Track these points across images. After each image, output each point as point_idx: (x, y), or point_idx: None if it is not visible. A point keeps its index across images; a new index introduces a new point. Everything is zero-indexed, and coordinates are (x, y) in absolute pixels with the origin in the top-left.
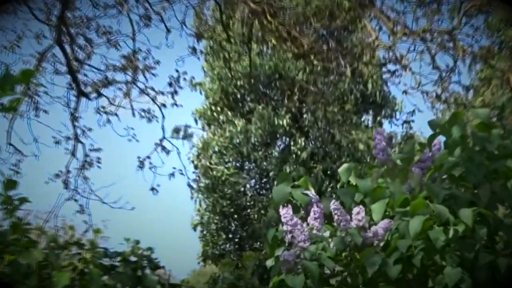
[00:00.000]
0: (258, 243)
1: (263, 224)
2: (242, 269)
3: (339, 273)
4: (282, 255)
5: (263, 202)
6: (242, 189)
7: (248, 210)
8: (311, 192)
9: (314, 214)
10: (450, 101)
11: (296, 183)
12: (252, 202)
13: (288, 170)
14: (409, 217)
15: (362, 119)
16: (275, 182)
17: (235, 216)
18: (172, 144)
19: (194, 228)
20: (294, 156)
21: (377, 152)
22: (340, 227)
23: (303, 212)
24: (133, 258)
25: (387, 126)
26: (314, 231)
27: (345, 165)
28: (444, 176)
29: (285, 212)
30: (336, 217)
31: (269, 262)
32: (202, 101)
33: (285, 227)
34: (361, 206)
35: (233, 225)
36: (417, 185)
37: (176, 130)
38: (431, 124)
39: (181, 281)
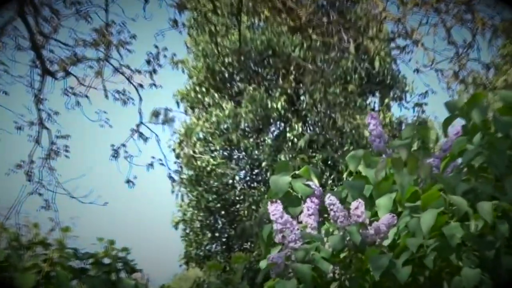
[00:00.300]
0: (249, 243)
1: (254, 222)
2: (230, 272)
3: (338, 277)
4: (270, 257)
5: (254, 197)
6: (231, 181)
7: (237, 206)
8: (314, 183)
9: (308, 210)
10: (468, 81)
11: (297, 172)
12: (241, 197)
13: (283, 159)
14: (420, 213)
15: (368, 102)
16: (269, 173)
17: (223, 212)
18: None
19: (176, 226)
20: (290, 143)
21: (373, 139)
22: (337, 224)
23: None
24: (106, 260)
25: (396, 110)
26: (308, 230)
27: (353, 152)
28: (462, 166)
29: (274, 209)
30: (332, 213)
31: (264, 264)
32: (184, 81)
33: (274, 226)
34: (360, 200)
35: (220, 222)
36: (427, 175)
37: (155, 114)
38: (448, 105)
39: (160, 286)
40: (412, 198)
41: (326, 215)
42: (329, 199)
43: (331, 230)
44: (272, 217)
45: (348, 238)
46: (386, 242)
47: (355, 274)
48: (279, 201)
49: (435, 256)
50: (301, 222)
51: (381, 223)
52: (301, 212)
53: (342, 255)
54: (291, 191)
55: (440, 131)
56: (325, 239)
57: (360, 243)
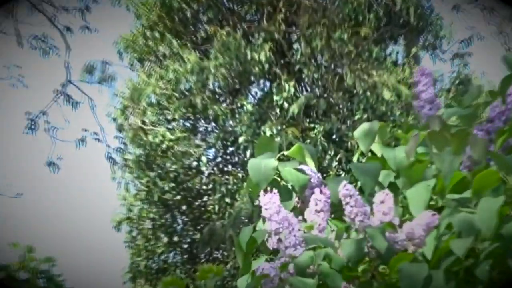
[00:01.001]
0: (220, 252)
1: (228, 221)
2: None
3: None
4: (259, 268)
5: (228, 185)
6: (195, 163)
7: (205, 198)
8: (311, 169)
9: (316, 204)
10: None
11: (285, 153)
12: (210, 185)
13: (268, 133)
14: (471, 207)
15: (388, 52)
16: (249, 152)
17: (184, 207)
18: (81, 91)
19: (118, 227)
20: (278, 110)
21: (421, 104)
22: (354, 225)
23: (297, 200)
24: (24, 274)
25: (427, 63)
26: (315, 231)
27: (364, 125)
28: None
29: (269, 201)
30: (348, 208)
31: (241, 282)
32: (130, 23)
33: (268, 225)
34: (387, 191)
35: (180, 222)
36: (482, 156)
37: (89, 70)
38: (507, 60)
39: None
40: (458, 187)
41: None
42: (345, 188)
43: (345, 233)
44: (264, 213)
45: (369, 244)
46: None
47: None
48: (275, 190)
49: (491, 265)
50: (304, 221)
51: (417, 224)
52: (294, 208)
53: (360, 268)
54: (279, 179)
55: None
56: (336, 244)
57: (386, 252)
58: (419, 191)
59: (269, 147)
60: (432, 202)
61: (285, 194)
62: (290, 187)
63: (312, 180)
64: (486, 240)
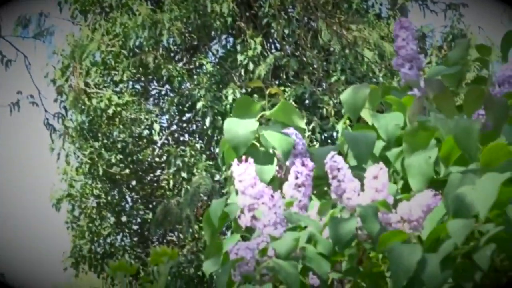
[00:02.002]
0: (176, 234)
1: (185, 199)
2: (146, 279)
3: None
4: (233, 249)
5: (184, 157)
6: (146, 132)
7: (157, 172)
8: (296, 133)
9: (297, 177)
10: None
11: (268, 113)
12: (164, 158)
13: (231, 98)
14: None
15: (370, 3)
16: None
17: (133, 183)
18: (14, 47)
19: (58, 206)
20: (242, 71)
21: (400, 62)
22: (342, 202)
23: (278, 170)
24: None
25: (416, 16)
26: (295, 209)
27: (353, 88)
28: None
29: (243, 172)
30: (335, 183)
31: (209, 265)
32: None
33: (241, 199)
34: (382, 165)
35: (129, 199)
36: (501, 120)
37: (23, 23)
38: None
39: None
40: (462, 159)
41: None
42: (332, 160)
43: (332, 211)
44: (238, 185)
45: (359, 225)
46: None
47: (368, 281)
48: (251, 160)
49: (493, 251)
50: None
51: (415, 204)
52: (273, 180)
53: (348, 252)
54: (257, 144)
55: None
56: (321, 223)
57: (377, 235)
58: (418, 162)
59: (249, 108)
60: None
61: (265, 159)
62: (271, 152)
63: (296, 146)
64: (487, 222)
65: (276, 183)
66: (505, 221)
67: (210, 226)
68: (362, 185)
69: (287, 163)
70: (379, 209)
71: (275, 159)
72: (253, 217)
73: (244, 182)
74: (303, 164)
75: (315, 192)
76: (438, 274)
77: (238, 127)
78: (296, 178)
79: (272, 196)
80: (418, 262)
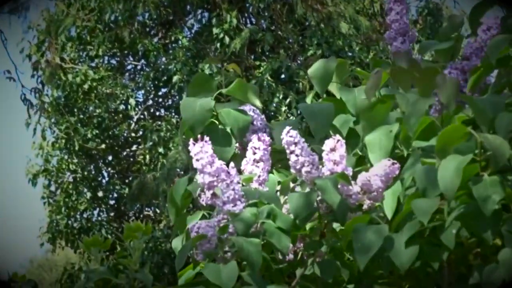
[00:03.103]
0: (152, 209)
1: (161, 173)
2: (122, 254)
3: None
4: (193, 227)
5: (160, 132)
6: (122, 107)
7: (133, 147)
8: (253, 109)
9: (254, 153)
10: None
11: (223, 90)
12: (140, 132)
13: (207, 72)
14: (436, 158)
15: None
16: (185, 94)
17: (109, 158)
18: None
19: (34, 181)
20: (218, 45)
21: (393, 35)
22: (301, 176)
23: (237, 146)
24: None
25: None
26: (255, 184)
27: (320, 62)
28: (503, 82)
29: (200, 150)
30: (293, 157)
31: (177, 241)
32: None
33: (200, 177)
34: (338, 137)
35: (105, 174)
36: (451, 99)
37: None
38: None
39: (10, 276)
40: (425, 134)
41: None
42: (288, 135)
43: (290, 185)
44: (196, 164)
45: (319, 198)
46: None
47: (328, 256)
48: (207, 138)
49: (458, 230)
50: (240, 172)
51: (374, 175)
52: (234, 156)
53: (309, 226)
54: (216, 122)
55: None
56: (281, 199)
57: (338, 207)
58: (379, 137)
59: (205, 86)
60: (397, 151)
61: (224, 139)
62: (229, 131)
63: (255, 122)
64: (450, 200)
65: (238, 160)
66: (468, 200)
67: (174, 204)
68: (320, 158)
69: (246, 139)
70: (339, 181)
71: (233, 138)
72: (213, 195)
73: (201, 161)
74: (259, 139)
75: (279, 165)
76: (405, 251)
77: (194, 107)
78: (254, 153)
79: (228, 172)
80: (384, 241)
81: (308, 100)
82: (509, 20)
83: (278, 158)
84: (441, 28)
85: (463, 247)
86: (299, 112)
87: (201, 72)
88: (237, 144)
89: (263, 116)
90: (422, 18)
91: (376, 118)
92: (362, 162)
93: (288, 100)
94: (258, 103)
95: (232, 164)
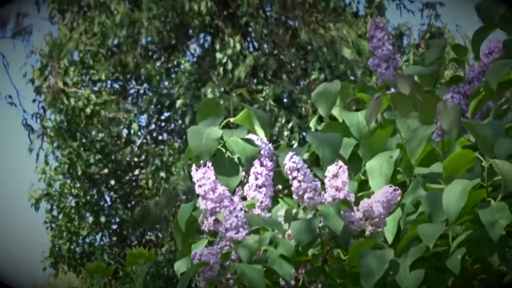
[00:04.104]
0: (154, 233)
1: (163, 198)
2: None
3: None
4: (196, 254)
5: (163, 157)
6: (125, 132)
7: (136, 172)
8: (260, 138)
9: (256, 178)
10: None
11: (231, 119)
12: (142, 157)
13: (210, 96)
14: (441, 184)
15: (348, 1)
16: (188, 118)
17: (112, 182)
18: None
19: (36, 205)
20: (221, 70)
21: (376, 62)
22: (303, 202)
23: (244, 175)
24: None
25: (393, 14)
26: (256, 210)
27: (324, 86)
28: (504, 108)
29: (202, 176)
30: (295, 183)
31: (179, 264)
32: None
33: (202, 204)
34: (341, 163)
35: (107, 199)
36: (453, 125)
37: (0, 22)
38: (480, 9)
39: None
40: (426, 160)
41: (279, 189)
42: (291, 161)
43: (293, 212)
44: (198, 190)
45: (321, 225)
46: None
47: (331, 282)
48: (209, 164)
49: (464, 255)
50: (244, 199)
51: (375, 201)
52: (241, 183)
53: (311, 252)
54: (223, 150)
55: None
56: (284, 225)
57: (341, 233)
58: (380, 163)
59: (213, 111)
60: (397, 177)
61: (231, 168)
62: (236, 159)
63: (262, 151)
64: (453, 226)
65: (243, 187)
66: (474, 225)
67: (179, 230)
68: (323, 184)
69: None
70: (341, 207)
71: (240, 166)
72: (216, 221)
73: (204, 187)
74: (262, 165)
75: (285, 192)
76: (410, 275)
77: (201, 135)
78: (256, 179)
79: (231, 199)
80: (389, 265)
81: (312, 123)
82: (509, 44)
83: (284, 185)
84: (425, 53)
85: (468, 272)
86: (301, 136)
87: (209, 98)
88: (243, 173)
89: (270, 145)
90: (424, 42)
91: (377, 144)
92: (365, 186)
93: (290, 124)
94: (263, 135)
95: (237, 189)
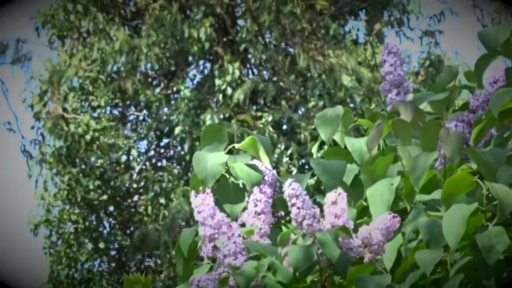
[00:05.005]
0: (153, 259)
1: (163, 224)
2: None
3: None
4: (194, 280)
5: (162, 183)
6: (124, 158)
7: (135, 198)
8: (264, 165)
9: (256, 205)
10: None
11: (236, 145)
12: (142, 183)
13: (209, 122)
14: (440, 210)
15: (347, 29)
16: (187, 145)
17: (111, 208)
18: None
19: (35, 231)
20: (220, 96)
21: (387, 87)
22: (302, 229)
23: (248, 200)
24: None
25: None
26: (255, 237)
27: (326, 111)
28: (506, 136)
29: (201, 202)
30: (294, 210)
31: None
32: None
33: (201, 230)
34: (339, 190)
35: (106, 225)
36: (456, 153)
37: (0, 48)
38: (484, 37)
39: None
40: (427, 187)
41: (281, 215)
42: (290, 187)
43: (292, 238)
44: (197, 216)
45: (319, 252)
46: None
47: None
48: (208, 190)
49: (461, 281)
50: (243, 225)
51: (374, 228)
52: (243, 209)
53: (310, 279)
54: (228, 176)
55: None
56: (282, 251)
57: (338, 260)
58: (381, 190)
59: (216, 137)
60: (399, 205)
61: (235, 194)
62: (241, 185)
63: (266, 177)
64: (456, 252)
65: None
66: (472, 251)
67: (181, 255)
68: (322, 211)
69: None
70: (339, 234)
71: (245, 192)
72: (214, 247)
73: (203, 213)
74: (261, 192)
75: (288, 218)
76: None
77: (206, 160)
78: (255, 206)
79: (230, 225)
80: None
81: (314, 149)
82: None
83: (287, 211)
84: (437, 79)
85: None
86: (300, 163)
87: (211, 123)
88: (248, 198)
89: (274, 171)
90: (424, 70)
91: (378, 171)
92: (365, 213)
93: (289, 151)
94: (268, 162)
95: (240, 215)
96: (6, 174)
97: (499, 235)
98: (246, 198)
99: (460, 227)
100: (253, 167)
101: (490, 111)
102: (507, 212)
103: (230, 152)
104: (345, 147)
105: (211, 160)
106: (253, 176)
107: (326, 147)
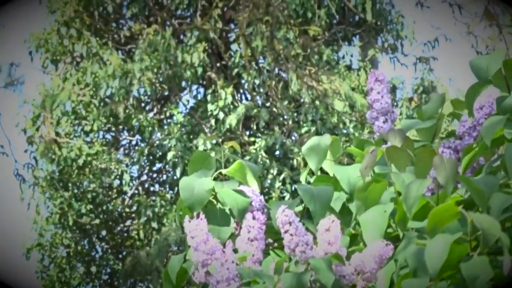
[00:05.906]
0: (145, 284)
1: (155, 249)
2: None
3: None
4: None
5: (154, 208)
6: (117, 182)
7: (127, 223)
8: (252, 190)
9: (249, 231)
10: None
11: (223, 171)
12: (134, 208)
13: (202, 148)
14: (428, 238)
15: (341, 54)
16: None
17: (103, 233)
18: None
19: (27, 255)
20: (213, 122)
21: (375, 115)
22: (295, 256)
23: (235, 226)
24: None
25: (386, 68)
26: (248, 263)
27: (314, 140)
28: (497, 164)
29: (195, 228)
30: (287, 237)
31: None
32: (42, 19)
33: (194, 255)
34: (333, 218)
35: (98, 249)
36: (449, 180)
37: None
38: (476, 65)
39: None
40: (420, 215)
41: (272, 241)
42: (283, 214)
43: (284, 265)
44: (190, 241)
45: (312, 279)
46: None
47: None
48: (202, 215)
49: None
50: (236, 251)
51: (368, 256)
52: (232, 236)
53: None
54: (215, 201)
55: None
56: (275, 278)
57: (332, 287)
58: (374, 217)
59: (204, 164)
60: (390, 230)
61: (222, 219)
62: (228, 211)
63: (253, 203)
64: (442, 280)
65: (235, 239)
66: (458, 280)
67: (169, 282)
68: (315, 238)
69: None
70: (333, 261)
71: (232, 218)
72: (207, 273)
73: (196, 238)
74: (254, 218)
75: (275, 245)
76: None
77: (193, 186)
78: (248, 232)
79: (223, 251)
80: None
81: (303, 177)
82: (505, 101)
83: (275, 238)
84: (424, 106)
85: None
86: (293, 188)
87: (200, 150)
88: (235, 224)
89: (261, 197)
90: (417, 96)
91: (371, 198)
92: (355, 240)
93: (282, 176)
94: (256, 187)
95: (228, 242)
96: (0, 198)
97: (483, 265)
98: (233, 224)
99: (442, 256)
100: (240, 192)
101: (482, 139)
102: (491, 243)
103: (218, 178)
104: (334, 175)
105: (197, 186)
106: (239, 202)
107: (315, 176)
